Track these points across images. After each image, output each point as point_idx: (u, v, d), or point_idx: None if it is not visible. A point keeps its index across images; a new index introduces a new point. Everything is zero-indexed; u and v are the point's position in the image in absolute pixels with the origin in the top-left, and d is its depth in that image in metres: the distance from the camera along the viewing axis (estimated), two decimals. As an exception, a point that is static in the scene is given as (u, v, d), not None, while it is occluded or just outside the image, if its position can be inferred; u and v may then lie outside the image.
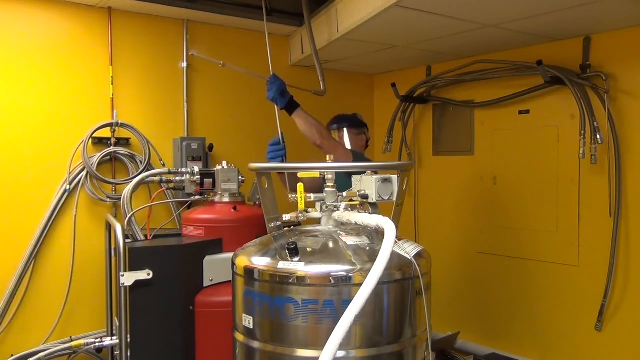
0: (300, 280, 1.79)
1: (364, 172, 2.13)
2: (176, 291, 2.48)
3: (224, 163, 2.88)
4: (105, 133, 3.32)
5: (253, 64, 3.90)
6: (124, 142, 3.39)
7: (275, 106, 2.91)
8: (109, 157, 3.33)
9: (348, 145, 3.15)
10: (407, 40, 3.49)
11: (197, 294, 2.53)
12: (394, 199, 2.08)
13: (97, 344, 2.65)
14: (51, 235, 3.19)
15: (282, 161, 2.84)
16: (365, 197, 2.07)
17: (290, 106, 2.83)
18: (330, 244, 1.94)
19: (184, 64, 3.61)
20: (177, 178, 2.96)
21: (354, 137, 3.20)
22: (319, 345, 1.61)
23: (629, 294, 3.16)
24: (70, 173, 3.21)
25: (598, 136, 3.09)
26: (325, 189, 2.10)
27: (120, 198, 2.75)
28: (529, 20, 2.98)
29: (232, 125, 3.84)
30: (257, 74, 3.29)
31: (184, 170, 2.98)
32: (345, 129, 3.20)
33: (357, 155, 2.95)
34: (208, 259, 2.57)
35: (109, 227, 3.03)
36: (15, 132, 3.10)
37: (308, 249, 1.89)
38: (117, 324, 2.61)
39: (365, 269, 1.78)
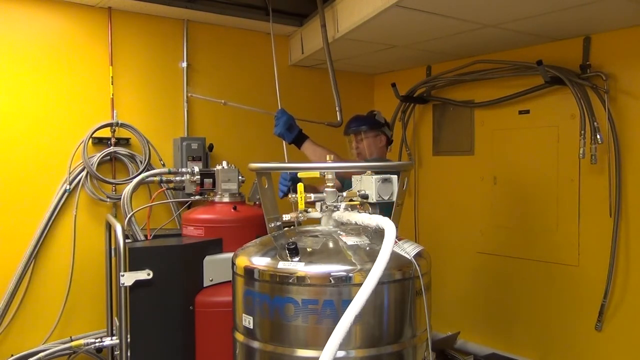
0: (300, 280, 1.79)
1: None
2: (176, 291, 2.48)
3: (224, 163, 2.88)
4: (105, 133, 3.32)
5: (252, 64, 3.92)
6: (124, 142, 3.39)
7: (283, 140, 2.89)
8: (109, 157, 3.33)
9: (367, 150, 3.03)
10: (407, 40, 3.49)
11: (197, 294, 2.53)
12: (394, 199, 2.08)
13: (97, 344, 2.65)
14: (51, 235, 3.19)
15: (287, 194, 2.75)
16: (365, 197, 2.07)
17: (298, 140, 2.81)
18: (330, 244, 1.94)
19: (184, 64, 3.61)
20: (177, 178, 2.96)
21: (372, 140, 3.02)
22: (319, 345, 1.61)
23: (629, 294, 3.16)
24: (70, 173, 3.21)
25: (598, 136, 3.09)
26: (325, 189, 2.10)
27: (120, 198, 2.75)
28: (529, 20, 2.98)
29: (232, 125, 3.84)
30: (263, 110, 3.25)
31: (184, 170, 2.98)
32: (362, 134, 3.03)
33: (375, 162, 2.85)
34: (208, 259, 2.57)
35: (109, 227, 3.03)
36: (15, 132, 3.10)
37: (308, 249, 1.89)
38: (117, 324, 2.61)
39: (365, 269, 1.78)
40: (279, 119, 2.83)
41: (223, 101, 3.19)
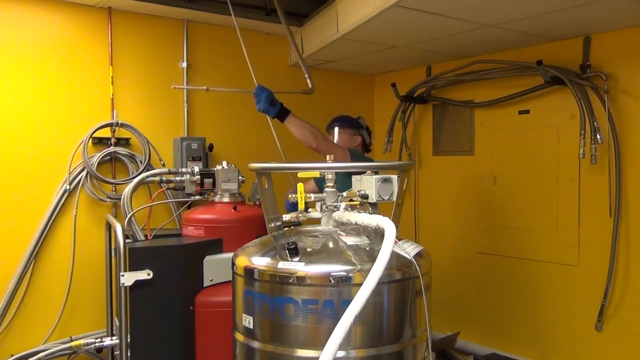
0: (300, 280, 1.79)
1: (364, 172, 2.13)
2: (176, 291, 2.48)
3: (224, 163, 2.87)
4: (105, 133, 3.32)
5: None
6: (124, 142, 3.39)
7: (268, 117, 2.86)
8: (109, 157, 3.33)
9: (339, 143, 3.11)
10: (407, 40, 3.49)
11: (197, 294, 2.53)
12: (394, 199, 2.08)
13: (97, 344, 2.65)
14: (51, 235, 3.19)
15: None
16: (365, 197, 2.07)
17: (281, 113, 2.78)
18: (330, 244, 1.94)
19: (184, 64, 3.62)
20: (177, 178, 2.96)
21: (349, 137, 3.13)
22: (319, 345, 1.61)
23: (629, 294, 3.16)
24: (70, 173, 3.21)
25: (598, 136, 3.09)
26: (325, 189, 2.10)
27: (120, 198, 2.75)
28: (529, 20, 2.98)
29: (232, 125, 3.84)
30: (242, 89, 3.22)
31: (184, 170, 2.97)
32: (337, 128, 3.15)
33: (354, 154, 2.92)
34: (208, 259, 2.57)
35: (109, 227, 3.03)
36: (15, 132, 3.10)
37: (308, 249, 1.89)
38: (117, 324, 2.61)
39: (365, 269, 1.78)
40: (259, 95, 2.78)
41: (205, 87, 3.17)
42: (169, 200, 3.45)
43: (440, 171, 4.21)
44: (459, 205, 4.08)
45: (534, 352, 3.60)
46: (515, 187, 3.71)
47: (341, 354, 1.77)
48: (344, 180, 2.30)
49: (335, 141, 3.12)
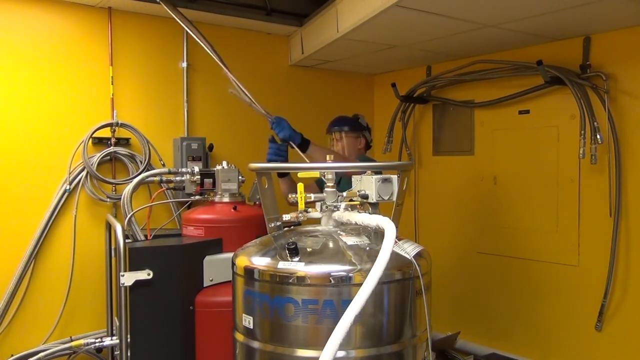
0: (300, 280, 1.79)
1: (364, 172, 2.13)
2: (176, 291, 2.48)
3: (224, 163, 2.87)
4: (105, 133, 3.32)
5: (252, 64, 3.92)
6: (124, 142, 3.39)
7: (292, 143, 2.75)
8: (109, 157, 3.33)
9: (346, 149, 3.16)
10: (407, 40, 3.49)
11: (197, 294, 2.53)
12: (394, 199, 2.08)
13: (97, 344, 2.65)
14: (51, 235, 3.19)
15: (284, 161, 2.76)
16: (365, 197, 2.07)
17: (304, 142, 2.73)
18: (330, 244, 1.94)
19: (184, 64, 3.61)
20: (177, 178, 2.96)
21: (352, 141, 3.17)
22: (319, 345, 1.61)
23: (629, 294, 3.16)
24: (70, 173, 3.21)
25: (598, 136, 3.10)
26: (325, 189, 2.10)
27: (120, 198, 2.75)
28: (529, 20, 2.98)
29: (232, 125, 3.84)
30: (269, 114, 2.99)
31: (184, 170, 2.97)
32: (341, 133, 3.17)
33: (362, 159, 2.96)
34: (208, 259, 2.57)
35: (109, 227, 3.03)
36: (15, 132, 3.10)
37: (308, 249, 1.89)
38: (117, 324, 2.61)
39: (365, 269, 1.78)
40: (280, 124, 2.72)
41: (250, 100, 3.12)
42: (169, 200, 3.45)
43: (440, 171, 4.21)
44: (459, 206, 4.08)
45: (534, 352, 3.60)
46: (515, 187, 3.71)
47: (341, 354, 1.77)
48: (349, 184, 2.29)
49: (341, 148, 3.16)
